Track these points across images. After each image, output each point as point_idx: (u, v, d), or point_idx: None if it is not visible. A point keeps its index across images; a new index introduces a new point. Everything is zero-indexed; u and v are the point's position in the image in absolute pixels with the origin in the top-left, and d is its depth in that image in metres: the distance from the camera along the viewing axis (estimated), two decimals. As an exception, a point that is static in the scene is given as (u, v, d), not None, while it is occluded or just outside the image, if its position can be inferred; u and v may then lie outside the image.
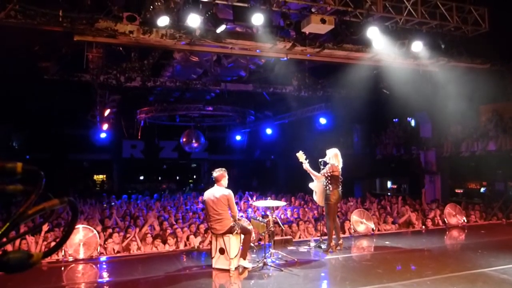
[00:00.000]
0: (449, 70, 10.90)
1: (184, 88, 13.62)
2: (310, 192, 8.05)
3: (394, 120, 17.96)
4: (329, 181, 7.39)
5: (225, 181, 6.27)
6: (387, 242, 8.62)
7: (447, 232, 10.03)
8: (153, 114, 16.84)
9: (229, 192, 6.07)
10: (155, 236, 8.57)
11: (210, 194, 6.15)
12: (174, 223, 9.99)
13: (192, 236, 8.54)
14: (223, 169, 6.33)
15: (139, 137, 18.60)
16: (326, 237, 7.79)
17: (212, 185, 6.36)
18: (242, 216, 8.53)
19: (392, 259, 7.36)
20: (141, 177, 29.04)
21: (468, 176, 16.31)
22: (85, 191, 22.00)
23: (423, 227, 10.57)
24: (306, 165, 7.29)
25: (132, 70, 11.80)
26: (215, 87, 13.81)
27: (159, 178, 29.67)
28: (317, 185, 7.64)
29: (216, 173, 6.23)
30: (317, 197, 7.72)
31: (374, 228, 9.47)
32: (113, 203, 14.36)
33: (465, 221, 10.69)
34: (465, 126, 15.28)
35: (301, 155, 7.22)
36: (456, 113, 13.83)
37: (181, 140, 20.30)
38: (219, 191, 6.11)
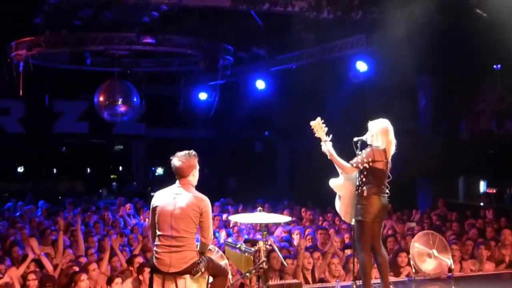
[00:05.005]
0: None
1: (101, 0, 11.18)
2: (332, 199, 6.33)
3: (495, 67, 14.56)
4: (365, 178, 5.81)
5: (194, 176, 5.10)
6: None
7: None
8: (43, 49, 13.39)
9: (206, 200, 5.01)
10: (46, 278, 6.49)
11: (168, 199, 5.01)
12: (83, 255, 7.82)
13: (117, 280, 6.59)
14: (192, 152, 5.10)
15: (20, 94, 14.07)
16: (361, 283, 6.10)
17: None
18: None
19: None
20: (20, 169, 23.36)
21: None
22: None
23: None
24: (327, 146, 5.89)
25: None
26: (161, 0, 11.45)
27: (54, 171, 23.86)
28: (343, 183, 6.07)
29: (180, 160, 5.03)
30: (342, 206, 6.16)
31: (453, 267, 7.42)
32: None
33: None
34: None
35: (318, 125, 5.88)
36: None
37: (95, 100, 15.53)
38: (186, 196, 4.94)
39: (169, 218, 4.89)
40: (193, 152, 5.14)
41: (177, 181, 5.02)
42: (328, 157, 5.88)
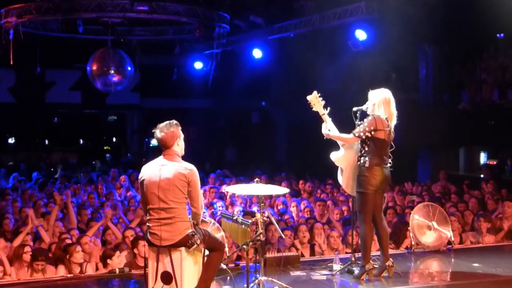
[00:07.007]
0: None
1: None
2: (334, 172, 6.18)
3: (498, 36, 14.05)
4: (367, 148, 5.62)
5: (179, 146, 4.92)
6: (476, 265, 6.77)
7: None
8: (33, 17, 12.61)
9: (192, 169, 4.84)
10: (38, 251, 6.29)
11: (154, 171, 4.85)
12: (75, 228, 7.52)
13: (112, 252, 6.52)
14: (173, 122, 4.94)
15: (11, 63, 13.11)
16: (361, 255, 6.00)
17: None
18: (205, 214, 6.80)
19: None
20: (11, 140, 22.50)
21: None
22: None
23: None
24: (325, 119, 5.71)
25: None
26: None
27: (46, 142, 22.92)
28: (344, 155, 5.83)
29: (162, 131, 4.86)
30: (344, 177, 5.97)
31: (453, 239, 7.31)
32: None
33: None
34: None
35: (315, 98, 5.67)
36: None
37: (88, 69, 14.89)
38: (171, 166, 4.81)
39: (156, 190, 4.76)
40: (174, 121, 4.99)
41: (162, 154, 4.87)
42: (330, 137, 5.62)
